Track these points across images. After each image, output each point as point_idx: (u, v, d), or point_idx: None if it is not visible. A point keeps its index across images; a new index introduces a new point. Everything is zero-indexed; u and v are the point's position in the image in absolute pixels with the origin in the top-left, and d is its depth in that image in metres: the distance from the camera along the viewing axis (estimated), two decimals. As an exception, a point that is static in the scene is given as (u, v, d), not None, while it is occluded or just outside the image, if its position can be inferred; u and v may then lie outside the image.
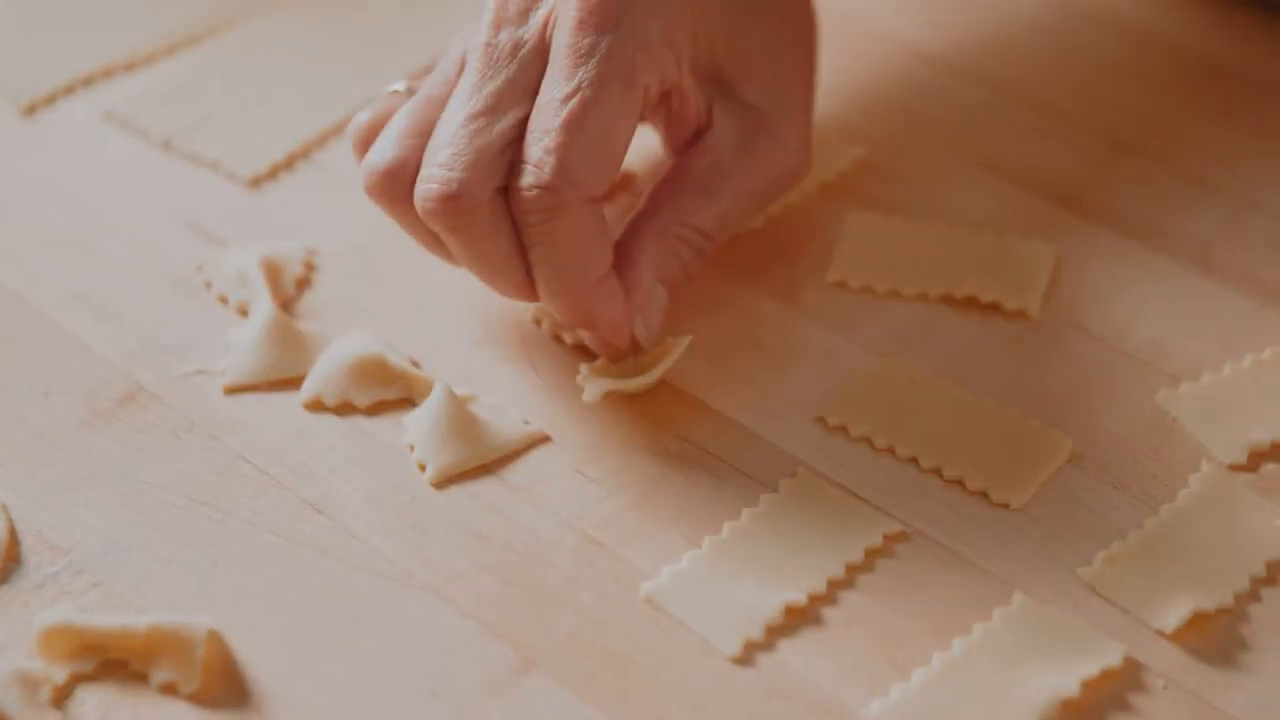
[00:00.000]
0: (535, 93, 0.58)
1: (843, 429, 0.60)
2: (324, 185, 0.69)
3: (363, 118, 0.62)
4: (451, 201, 0.57)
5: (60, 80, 0.73)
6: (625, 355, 0.61)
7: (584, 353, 0.62)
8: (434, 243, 0.60)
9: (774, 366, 0.62)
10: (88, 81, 0.73)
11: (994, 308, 0.63)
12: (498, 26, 0.59)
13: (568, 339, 0.63)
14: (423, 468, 0.58)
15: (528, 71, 0.58)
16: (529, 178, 0.57)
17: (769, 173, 0.63)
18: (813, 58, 0.65)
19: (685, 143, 0.63)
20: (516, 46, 0.59)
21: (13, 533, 0.56)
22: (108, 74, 0.74)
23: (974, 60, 0.74)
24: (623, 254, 0.61)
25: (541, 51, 0.59)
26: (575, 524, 0.57)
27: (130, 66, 0.74)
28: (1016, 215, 0.67)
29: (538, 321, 0.63)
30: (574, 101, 0.57)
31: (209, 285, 0.65)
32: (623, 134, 0.58)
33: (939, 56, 0.75)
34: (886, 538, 0.56)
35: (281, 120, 0.71)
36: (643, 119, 0.61)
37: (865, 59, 0.74)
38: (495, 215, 0.58)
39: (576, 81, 0.57)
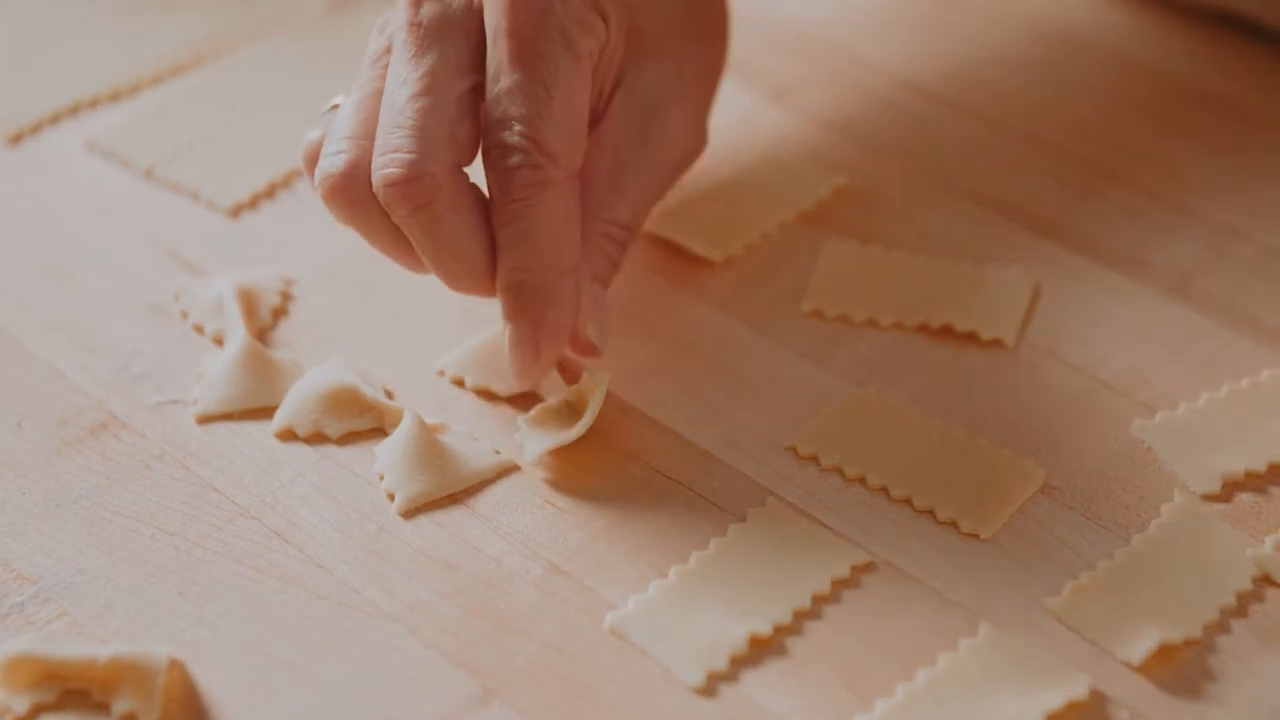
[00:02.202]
0: (473, 65, 0.59)
1: (814, 458, 0.59)
2: (304, 214, 0.69)
3: (311, 137, 0.61)
4: (410, 183, 0.57)
5: (45, 109, 0.74)
6: (551, 363, 0.60)
7: (522, 403, 0.61)
8: (397, 246, 0.60)
9: (746, 395, 0.61)
10: (73, 110, 0.74)
11: (970, 337, 0.63)
12: (417, 4, 0.59)
13: (502, 391, 0.62)
14: (391, 497, 0.58)
15: (459, 46, 0.59)
16: (515, 157, 0.58)
17: (668, 159, 0.63)
18: (715, 40, 0.66)
19: (591, 122, 0.62)
20: (444, 22, 0.59)
21: (-20, 561, 0.57)
22: (93, 103, 0.74)
23: (955, 88, 0.74)
24: None
25: (470, 23, 0.59)
26: (541, 553, 0.57)
27: (115, 96, 0.74)
28: (996, 244, 0.67)
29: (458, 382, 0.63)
30: (536, 85, 0.58)
31: (186, 314, 0.65)
32: (584, 105, 0.59)
33: (919, 84, 0.74)
34: (854, 568, 0.56)
35: (263, 149, 0.71)
36: None
37: (845, 87, 0.74)
38: (456, 193, 0.58)
39: (530, 66, 0.58)
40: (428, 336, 0.64)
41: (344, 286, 0.66)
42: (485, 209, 0.59)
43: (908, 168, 0.70)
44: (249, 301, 0.64)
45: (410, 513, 0.58)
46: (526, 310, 0.59)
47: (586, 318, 0.61)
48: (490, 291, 0.60)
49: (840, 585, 0.56)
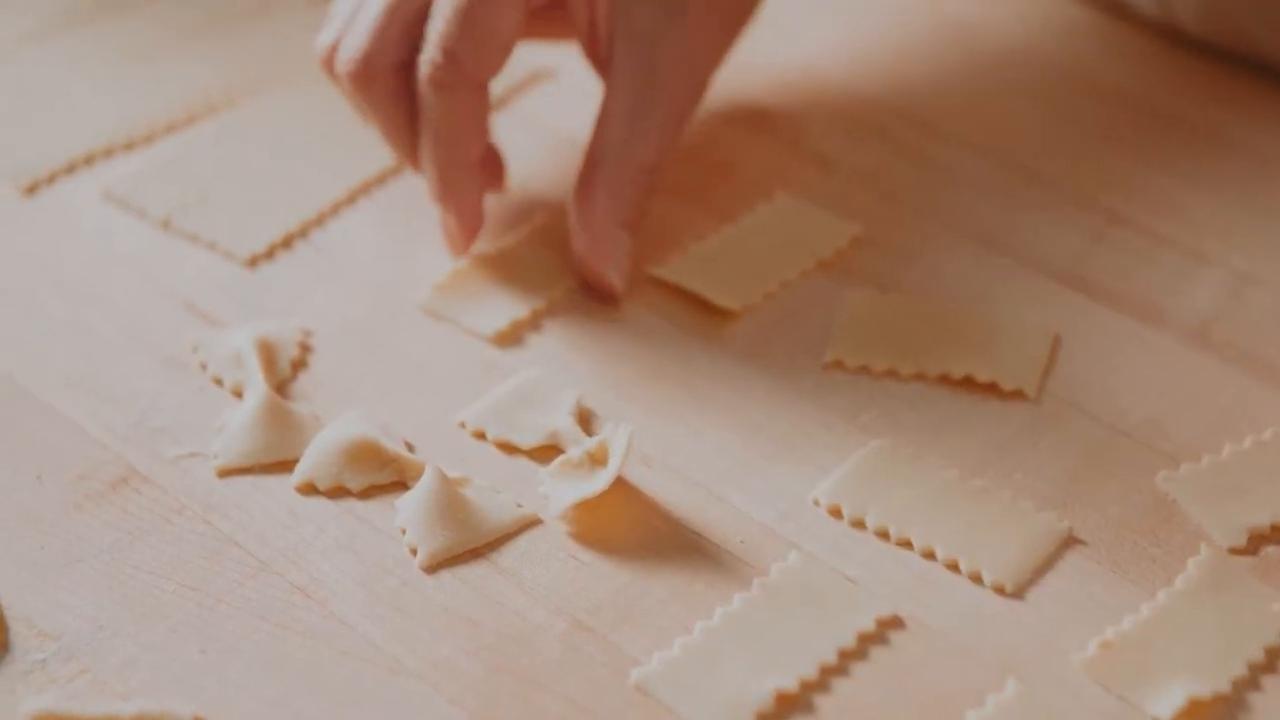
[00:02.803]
0: None
1: (837, 511, 0.59)
2: (322, 266, 0.69)
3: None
4: (358, 70, 0.66)
5: (61, 159, 0.73)
6: (468, 245, 0.68)
7: (543, 456, 0.61)
8: (364, 116, 0.68)
9: (769, 447, 0.61)
10: (88, 160, 0.74)
11: (991, 388, 0.63)
12: None
13: (524, 444, 0.62)
14: (414, 552, 0.58)
15: None
16: (425, 54, 0.65)
17: (678, 93, 0.67)
18: None
19: (603, 67, 0.68)
20: None
21: (2, 620, 0.56)
22: (108, 152, 0.74)
23: (970, 131, 0.74)
24: (581, 208, 0.66)
25: None
26: (566, 609, 0.56)
27: (130, 145, 0.74)
28: (1014, 292, 0.67)
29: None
30: (462, 2, 0.64)
31: (204, 366, 0.64)
32: (507, 25, 0.65)
33: (935, 127, 0.74)
34: (880, 623, 0.56)
35: (279, 199, 0.71)
36: (554, 25, 0.69)
37: (861, 131, 0.74)
38: (396, 86, 0.66)
39: None
40: (447, 389, 0.64)
41: (362, 339, 0.66)
42: None
43: (924, 214, 0.70)
44: (268, 354, 0.64)
45: (433, 567, 0.58)
46: (437, 197, 0.67)
47: (608, 262, 0.66)
48: (415, 168, 0.68)
49: (867, 640, 0.55)
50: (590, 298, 0.67)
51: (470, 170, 0.66)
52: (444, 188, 0.66)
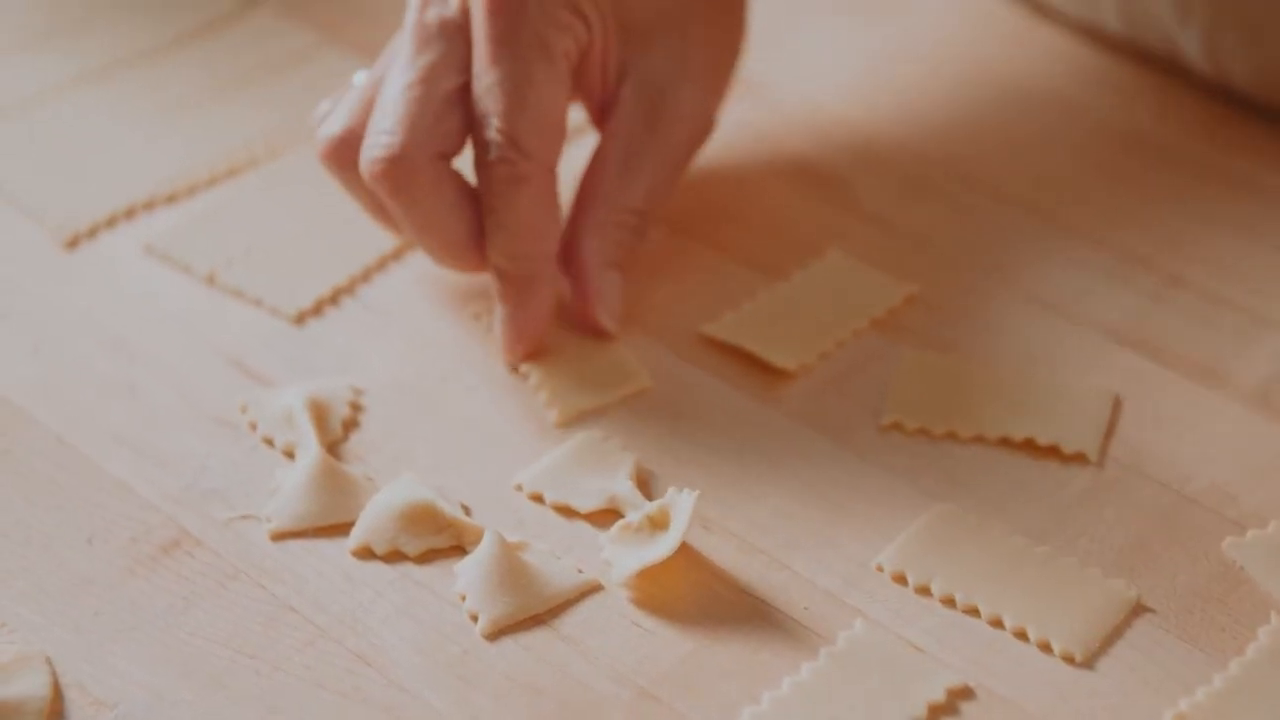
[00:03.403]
0: (465, 65, 0.64)
1: (901, 577, 0.58)
2: (371, 323, 0.68)
3: (323, 105, 0.67)
4: (392, 164, 0.62)
5: (101, 212, 0.73)
6: (535, 347, 0.65)
7: (601, 520, 0.60)
8: (380, 211, 0.65)
9: (830, 512, 0.60)
10: (129, 213, 0.73)
11: (1053, 451, 0.62)
12: (424, 7, 0.64)
13: (583, 508, 0.61)
14: (474, 618, 0.57)
15: (455, 46, 0.64)
16: (492, 153, 0.62)
17: (677, 140, 0.67)
18: (727, 24, 0.70)
19: (600, 112, 0.68)
20: (443, 24, 0.64)
21: (56, 687, 0.55)
22: (149, 205, 0.73)
23: (1019, 188, 0.74)
24: (568, 251, 0.66)
25: (464, 27, 0.64)
26: (630, 677, 0.56)
27: (172, 198, 0.73)
28: (1071, 353, 0.66)
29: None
30: (509, 85, 0.62)
31: (254, 426, 0.63)
32: (559, 100, 0.64)
33: (984, 183, 0.74)
34: (950, 693, 0.55)
35: (326, 255, 0.70)
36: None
37: (909, 186, 0.74)
38: (436, 178, 0.63)
39: (505, 67, 0.63)
40: (502, 450, 0.63)
41: (414, 397, 0.65)
42: (468, 195, 0.64)
43: (977, 273, 0.69)
44: (319, 413, 0.63)
45: (495, 634, 0.57)
46: (510, 294, 0.64)
47: (598, 303, 0.65)
48: (471, 269, 0.65)
49: (937, 711, 0.55)
50: (584, 335, 0.66)
51: (550, 263, 0.64)
52: (522, 286, 0.64)
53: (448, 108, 0.63)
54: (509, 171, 0.62)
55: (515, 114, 0.62)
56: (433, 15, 0.64)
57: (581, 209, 0.66)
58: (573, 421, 0.63)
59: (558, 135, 0.64)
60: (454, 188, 0.64)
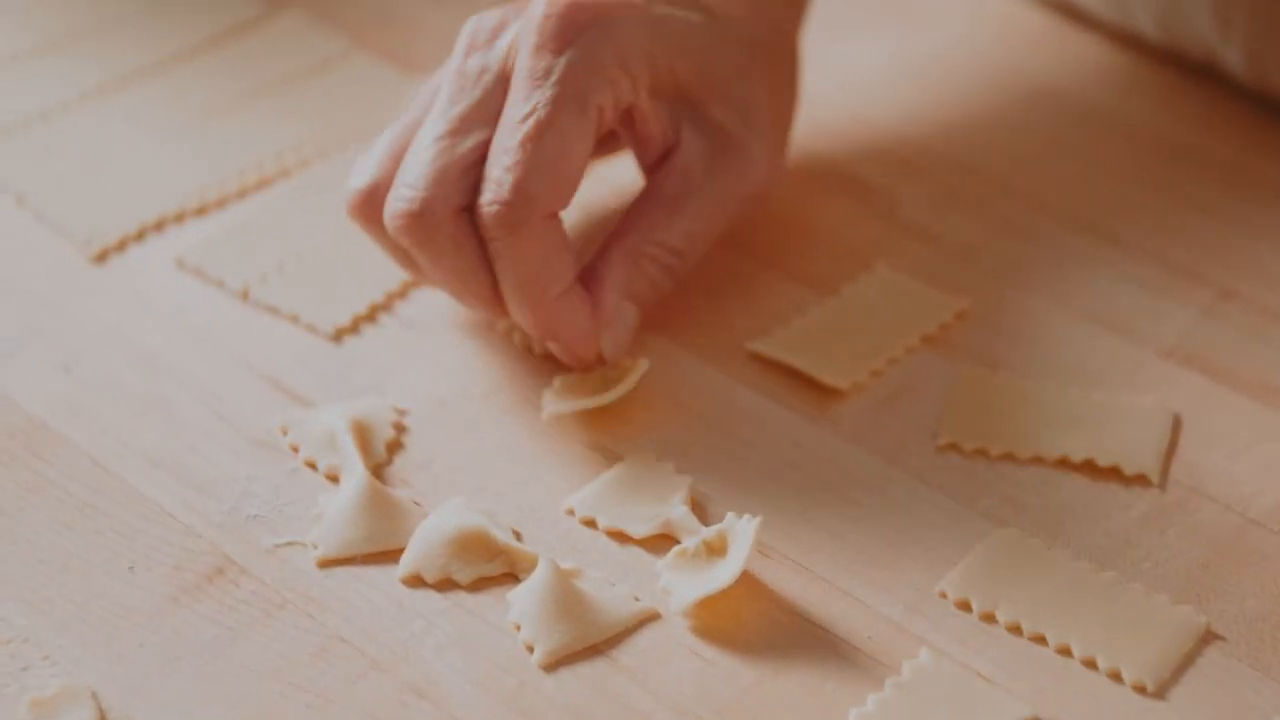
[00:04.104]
0: (498, 116, 0.62)
1: (965, 604, 0.57)
2: (408, 340, 0.67)
3: (362, 155, 0.65)
4: (414, 218, 0.61)
5: (130, 225, 0.71)
6: (592, 366, 0.63)
7: (657, 546, 0.59)
8: (408, 261, 0.64)
9: (890, 536, 0.59)
10: (158, 226, 0.71)
11: (1113, 472, 0.61)
12: (468, 52, 0.63)
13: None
14: (530, 649, 0.56)
15: (492, 95, 0.62)
16: (488, 194, 0.60)
17: (737, 190, 0.65)
18: (784, 80, 0.68)
19: (655, 162, 0.65)
20: (483, 71, 0.62)
21: (103, 722, 0.54)
22: (179, 218, 0.71)
23: (1066, 201, 0.72)
24: (591, 273, 0.63)
25: (504, 77, 0.62)
26: (692, 710, 0.54)
27: (201, 210, 0.72)
28: (1127, 370, 0.65)
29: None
30: (530, 122, 0.60)
31: (296, 449, 0.62)
32: (577, 153, 0.61)
33: (1030, 196, 0.73)
34: (1020, 725, 0.54)
35: (360, 269, 0.68)
36: (610, 141, 0.66)
37: (956, 200, 0.72)
38: (458, 232, 0.61)
39: (532, 103, 0.60)
40: (549, 471, 0.61)
41: (456, 417, 0.63)
42: None
43: (1028, 288, 0.68)
44: (363, 435, 0.62)
45: (552, 665, 0.55)
46: (538, 329, 0.62)
47: (605, 329, 0.63)
48: (500, 313, 0.63)
49: (1008, 744, 0.53)
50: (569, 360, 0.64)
51: (565, 300, 0.62)
52: (545, 325, 0.62)
53: (475, 160, 0.61)
54: (506, 216, 0.60)
55: (528, 154, 0.60)
56: (474, 64, 0.62)
57: (618, 234, 0.64)
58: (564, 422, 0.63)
59: (567, 185, 0.61)
60: (477, 241, 0.62)
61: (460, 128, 0.61)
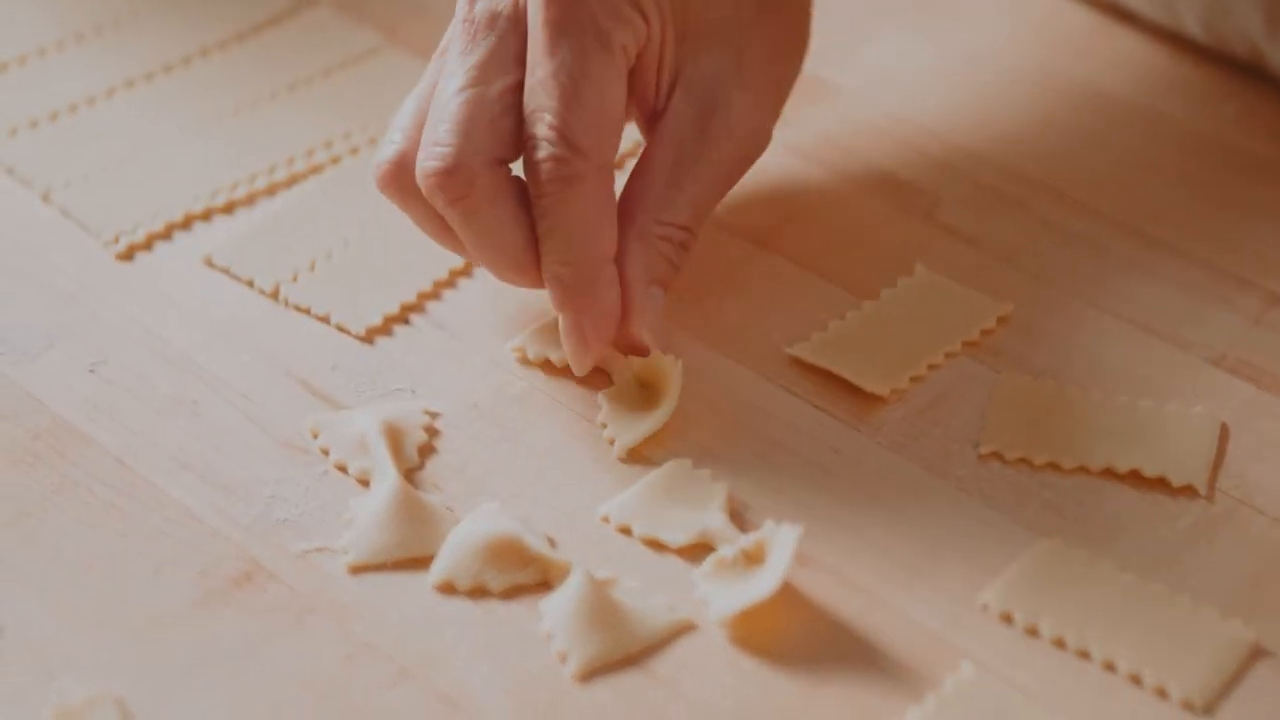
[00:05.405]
0: (518, 60, 0.61)
1: (1008, 617, 0.56)
2: (440, 341, 0.65)
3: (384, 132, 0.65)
4: (448, 174, 0.59)
5: (157, 223, 0.70)
6: (623, 350, 0.62)
7: (693, 555, 0.58)
8: (443, 232, 0.62)
9: (931, 546, 0.58)
10: (186, 223, 0.70)
11: (1159, 483, 0.60)
12: (472, 2, 0.61)
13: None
14: (563, 659, 0.55)
15: (506, 41, 0.61)
16: (542, 150, 0.59)
17: (731, 153, 0.64)
18: (789, 41, 0.67)
19: (651, 119, 0.64)
20: (493, 18, 0.61)
21: (130, 731, 0.53)
22: (206, 215, 0.70)
23: (1109, 205, 0.71)
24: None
25: (517, 20, 0.61)
26: (730, 723, 0.53)
27: (230, 207, 0.71)
28: (1173, 377, 0.64)
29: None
30: (564, 77, 0.59)
31: (327, 451, 0.61)
32: (614, 97, 0.60)
33: (1073, 199, 0.71)
34: (1066, 742, 0.53)
35: (391, 269, 0.67)
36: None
37: (998, 203, 0.71)
38: (495, 186, 0.60)
39: (560, 58, 0.59)
40: (583, 477, 0.60)
41: (489, 421, 0.62)
42: (528, 204, 0.61)
43: (1070, 293, 0.67)
44: (395, 439, 0.61)
45: (586, 676, 0.54)
46: (570, 301, 0.61)
47: (639, 320, 0.62)
48: (534, 284, 0.62)
49: (1054, 762, 0.52)
50: (623, 352, 0.63)
51: (608, 265, 0.61)
52: (580, 292, 0.60)
53: (502, 109, 0.60)
54: (560, 170, 0.59)
55: (569, 108, 0.59)
56: (481, 9, 0.61)
57: (626, 220, 0.62)
58: (636, 456, 0.61)
59: (613, 132, 0.61)
60: (513, 195, 0.61)
61: (480, 77, 0.60)
